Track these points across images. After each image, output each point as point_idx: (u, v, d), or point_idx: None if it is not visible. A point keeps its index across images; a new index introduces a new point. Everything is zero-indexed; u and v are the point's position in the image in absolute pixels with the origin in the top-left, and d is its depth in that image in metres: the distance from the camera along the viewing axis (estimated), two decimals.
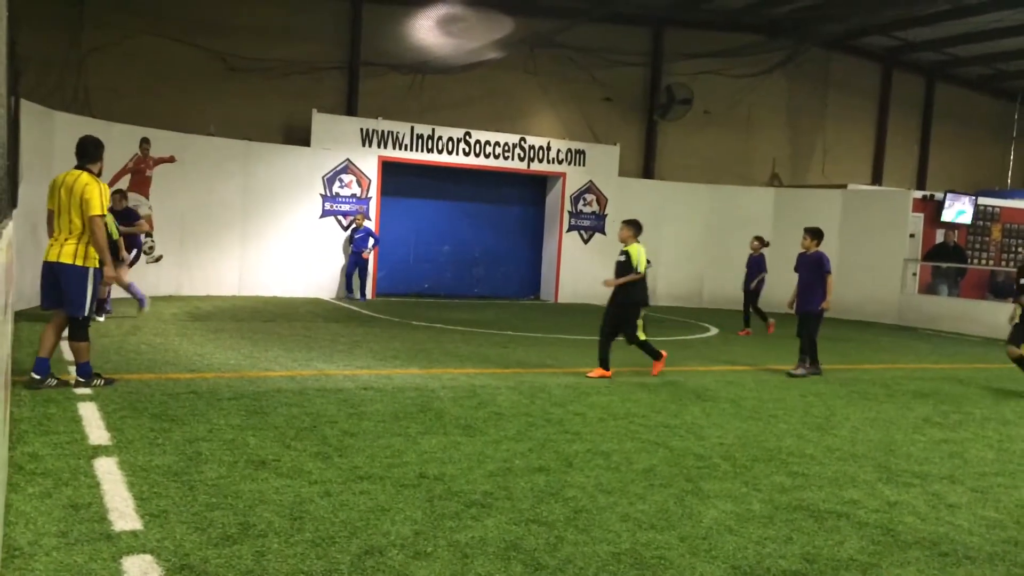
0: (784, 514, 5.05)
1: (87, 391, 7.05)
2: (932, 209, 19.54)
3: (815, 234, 10.93)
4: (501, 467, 5.65)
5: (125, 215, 12.12)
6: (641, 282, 9.46)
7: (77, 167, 7.13)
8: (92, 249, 7.01)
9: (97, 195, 6.93)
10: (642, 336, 9.59)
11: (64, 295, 7.02)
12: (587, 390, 8.57)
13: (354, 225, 17.30)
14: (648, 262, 9.58)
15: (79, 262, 6.96)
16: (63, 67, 15.66)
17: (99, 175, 7.21)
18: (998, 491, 5.85)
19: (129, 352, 9.21)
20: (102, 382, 7.29)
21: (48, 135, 12.59)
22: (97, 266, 7.07)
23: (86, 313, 7.08)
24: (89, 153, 7.18)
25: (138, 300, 12.31)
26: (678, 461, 6.09)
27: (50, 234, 7.20)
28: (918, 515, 5.19)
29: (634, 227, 9.59)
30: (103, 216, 6.98)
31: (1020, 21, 19.67)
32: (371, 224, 17.54)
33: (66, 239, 6.98)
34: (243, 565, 3.84)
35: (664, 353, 9.87)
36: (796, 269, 11.04)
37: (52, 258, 7.00)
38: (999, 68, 24.22)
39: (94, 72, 16.03)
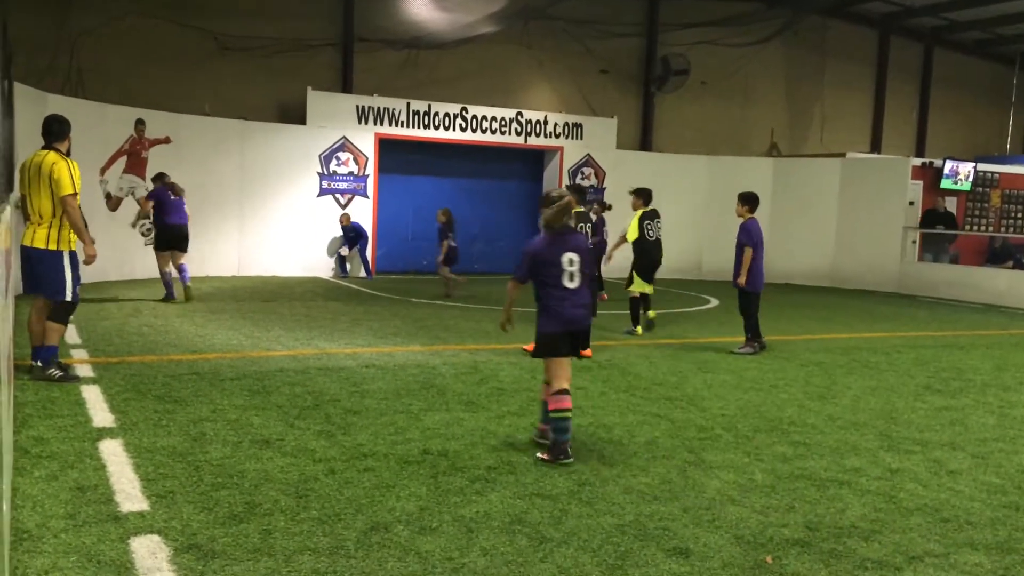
0: (786, 483, 5.08)
1: (91, 373, 7.05)
2: (931, 176, 19.49)
3: (747, 200, 9.86)
4: (504, 442, 5.68)
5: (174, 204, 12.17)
6: None
7: (44, 147, 6.91)
8: (66, 232, 6.80)
9: (67, 173, 6.70)
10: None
11: (40, 280, 6.84)
12: (588, 364, 8.59)
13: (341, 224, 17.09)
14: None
15: (52, 246, 6.77)
16: (55, 49, 15.51)
17: (68, 153, 6.97)
18: (999, 457, 5.89)
19: (131, 334, 9.22)
20: (58, 374, 6.83)
21: (42, 118, 12.49)
22: (73, 248, 6.88)
23: (68, 297, 6.86)
24: (54, 132, 6.95)
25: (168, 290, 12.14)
26: (680, 433, 6.12)
27: (25, 217, 7.00)
28: (920, 482, 5.23)
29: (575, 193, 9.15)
30: (75, 195, 6.73)
31: None
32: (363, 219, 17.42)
33: (39, 222, 6.78)
34: (250, 543, 3.87)
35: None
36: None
37: (27, 242, 6.82)
38: (997, 32, 24.04)
39: (86, 53, 15.89)
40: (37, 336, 6.96)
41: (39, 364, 6.86)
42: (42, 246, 6.76)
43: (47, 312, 6.94)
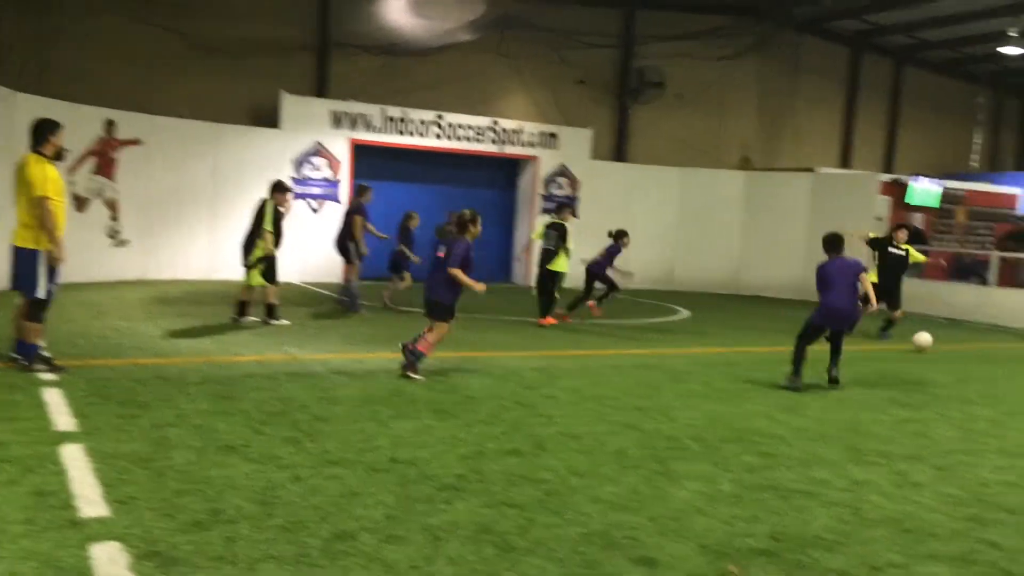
0: (753, 494, 5.10)
1: (53, 376, 6.94)
2: (899, 192, 19.76)
3: (823, 243, 9.95)
4: (473, 451, 5.65)
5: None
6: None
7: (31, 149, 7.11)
8: (43, 232, 6.97)
9: (39, 176, 6.87)
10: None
11: (19, 277, 7.08)
12: (558, 373, 8.60)
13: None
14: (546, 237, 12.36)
15: (30, 244, 6.97)
16: (25, 47, 15.31)
17: (56, 156, 7.13)
18: (961, 469, 5.96)
19: (95, 337, 9.09)
20: (43, 367, 7.08)
21: (10, 117, 12.34)
22: (50, 247, 7.01)
23: (41, 295, 7.03)
24: (35, 135, 7.11)
25: (350, 303, 12.68)
26: (649, 443, 6.13)
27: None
28: (883, 494, 5.28)
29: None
30: (45, 197, 6.86)
31: (986, 6, 19.88)
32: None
33: (22, 222, 7.00)
34: (213, 551, 3.82)
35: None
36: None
37: (11, 240, 7.09)
38: (965, 52, 24.49)
39: (58, 52, 15.69)
40: (21, 330, 7.21)
41: (23, 361, 7.08)
42: (20, 244, 7.03)
43: (24, 311, 7.16)
